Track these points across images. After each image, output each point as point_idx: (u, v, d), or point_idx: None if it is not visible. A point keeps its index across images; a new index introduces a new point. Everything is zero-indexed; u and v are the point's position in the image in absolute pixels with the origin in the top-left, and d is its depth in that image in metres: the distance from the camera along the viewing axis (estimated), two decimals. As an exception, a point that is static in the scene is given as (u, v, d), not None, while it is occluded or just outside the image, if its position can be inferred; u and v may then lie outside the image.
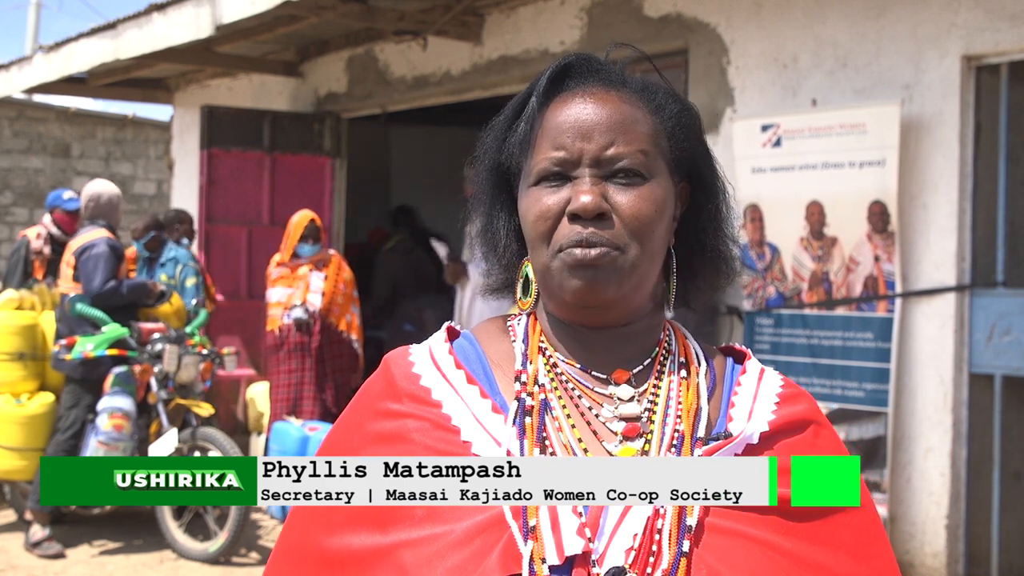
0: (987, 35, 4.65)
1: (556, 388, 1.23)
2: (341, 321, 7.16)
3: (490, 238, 1.31)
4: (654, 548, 1.11)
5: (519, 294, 1.30)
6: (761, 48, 5.56)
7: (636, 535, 1.11)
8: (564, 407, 1.21)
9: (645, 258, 1.19)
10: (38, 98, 13.51)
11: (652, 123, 1.22)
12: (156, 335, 6.23)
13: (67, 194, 8.23)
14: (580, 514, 1.11)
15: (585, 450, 1.18)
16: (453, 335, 1.31)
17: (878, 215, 4.94)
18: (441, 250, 7.06)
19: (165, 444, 5.87)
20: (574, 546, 1.09)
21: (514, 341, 1.28)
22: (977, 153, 4.78)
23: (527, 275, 1.28)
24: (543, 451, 1.16)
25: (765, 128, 5.37)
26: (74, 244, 6.39)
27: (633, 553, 1.10)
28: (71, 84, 9.90)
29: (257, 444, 8.21)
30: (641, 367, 1.25)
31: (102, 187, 6.57)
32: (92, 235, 6.33)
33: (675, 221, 1.26)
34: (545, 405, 1.20)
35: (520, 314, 1.31)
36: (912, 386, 4.92)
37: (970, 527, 4.86)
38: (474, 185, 1.33)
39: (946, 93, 4.78)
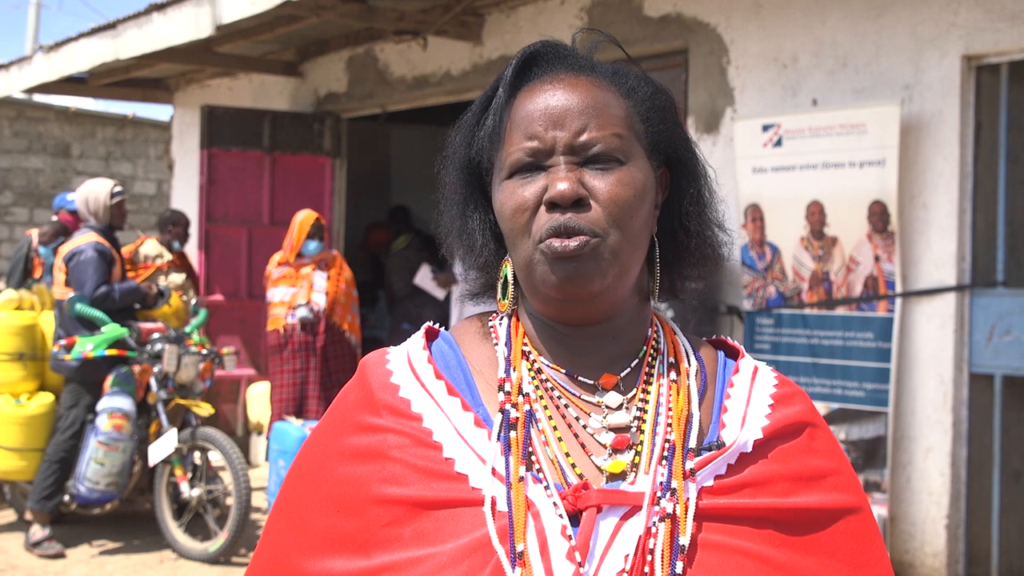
0: (987, 35, 4.65)
1: (542, 396, 1.17)
2: (344, 321, 7.18)
3: (466, 239, 1.26)
4: (646, 569, 1.06)
5: (499, 295, 1.25)
6: (761, 48, 5.56)
7: (628, 556, 1.07)
8: (551, 418, 1.16)
9: (626, 244, 1.14)
10: (38, 98, 13.52)
11: (625, 106, 1.18)
12: (155, 335, 6.23)
13: (71, 195, 8.18)
14: (569, 537, 1.06)
15: (573, 465, 1.13)
16: (432, 336, 1.26)
17: (878, 215, 4.94)
18: (426, 273, 7.29)
19: (165, 444, 5.88)
20: (564, 571, 1.04)
21: (496, 344, 1.23)
22: (977, 153, 4.78)
23: (505, 276, 1.23)
24: (529, 467, 1.11)
25: (766, 128, 5.37)
26: (64, 249, 6.38)
27: (625, 575, 1.06)
28: (71, 84, 9.90)
29: (257, 444, 8.21)
30: (629, 369, 1.21)
31: (89, 189, 6.51)
32: (80, 240, 6.31)
33: (657, 209, 1.22)
34: (530, 416, 1.15)
35: (501, 314, 1.26)
36: (912, 386, 4.91)
37: (970, 527, 4.86)
38: (445, 186, 1.28)
39: (946, 93, 4.78)
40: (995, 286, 4.79)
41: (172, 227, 7.81)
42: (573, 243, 1.12)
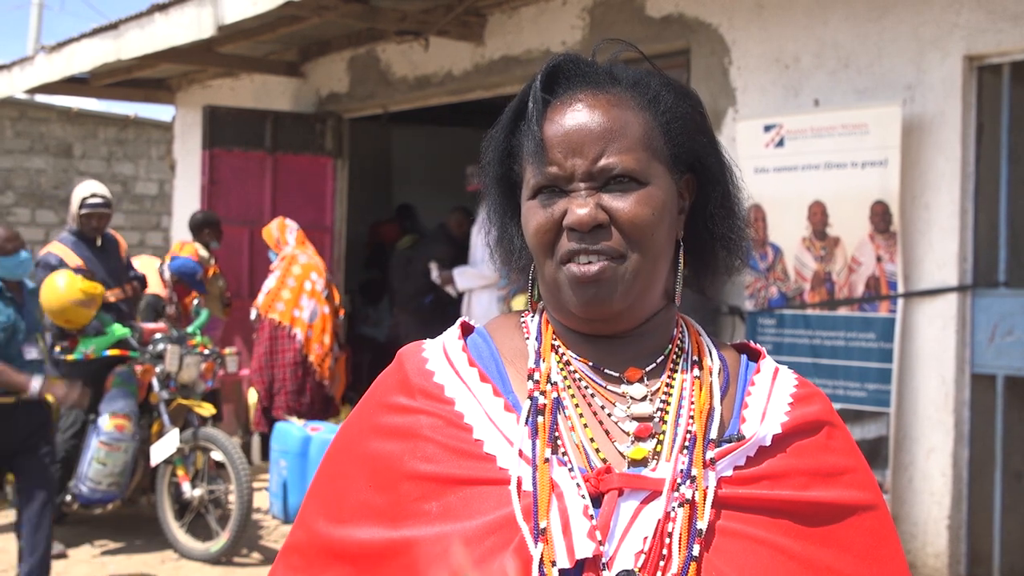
0: (989, 35, 4.65)
1: (569, 386, 1.22)
2: (286, 316, 7.17)
3: (506, 244, 1.32)
4: (664, 552, 1.10)
5: (532, 294, 1.30)
6: (763, 49, 5.56)
7: (646, 538, 1.11)
8: (577, 406, 1.20)
9: (647, 264, 1.19)
10: (40, 98, 13.50)
11: (645, 122, 1.20)
12: (158, 335, 6.24)
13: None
14: (591, 516, 1.10)
15: (597, 450, 1.17)
16: (467, 330, 1.31)
17: (880, 215, 4.94)
18: (434, 271, 7.43)
19: (167, 444, 5.88)
20: (585, 549, 1.08)
21: (527, 338, 1.27)
22: (979, 153, 4.78)
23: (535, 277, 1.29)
24: (555, 451, 1.16)
25: (768, 128, 5.37)
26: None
27: (643, 557, 1.10)
28: (73, 84, 9.90)
29: (254, 443, 8.21)
30: (654, 364, 1.24)
31: (74, 191, 6.51)
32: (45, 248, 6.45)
33: (683, 214, 1.25)
34: (558, 403, 1.19)
35: (533, 312, 1.31)
36: (914, 386, 4.91)
37: (972, 527, 4.86)
38: (484, 196, 1.33)
39: (948, 93, 4.78)
40: (997, 286, 4.79)
41: (208, 229, 7.84)
42: (594, 268, 1.17)
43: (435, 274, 7.64)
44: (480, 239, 6.86)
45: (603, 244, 1.16)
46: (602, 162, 1.17)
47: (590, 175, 1.17)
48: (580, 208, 1.16)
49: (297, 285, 7.21)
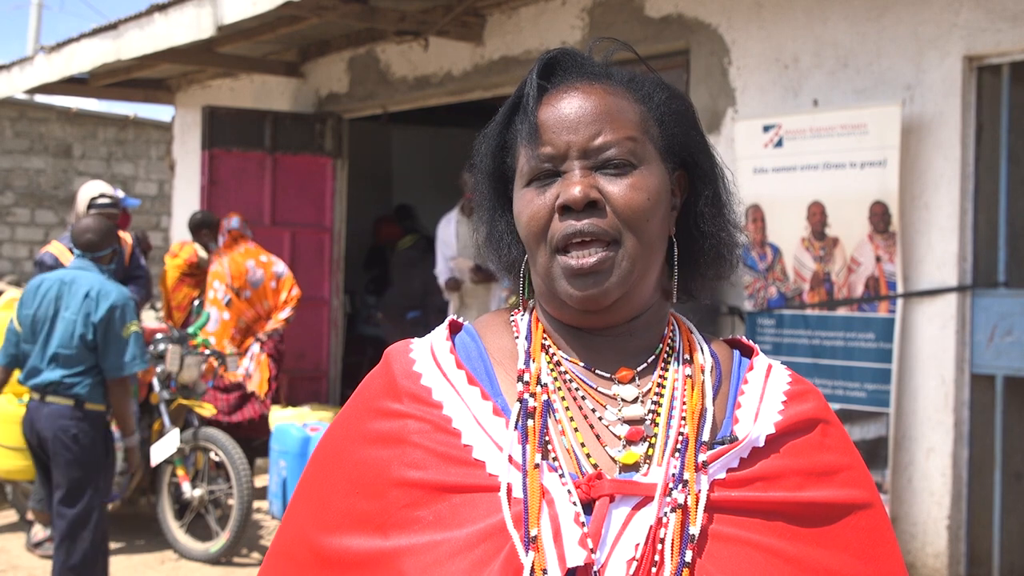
0: (988, 35, 4.66)
1: (559, 388, 1.20)
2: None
3: (495, 242, 1.30)
4: (656, 558, 1.09)
5: (522, 292, 1.29)
6: (762, 48, 5.57)
7: (638, 545, 1.09)
8: (567, 409, 1.19)
9: (643, 249, 1.17)
10: (40, 98, 13.52)
11: (640, 111, 1.20)
12: (159, 335, 6.24)
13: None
14: (582, 524, 1.09)
15: (588, 455, 1.16)
16: (455, 329, 1.29)
17: (879, 215, 4.94)
18: (465, 265, 6.99)
19: (167, 444, 5.88)
20: (576, 557, 1.06)
21: (517, 337, 1.25)
22: (978, 153, 4.78)
23: (527, 274, 1.27)
24: (545, 456, 1.14)
25: (767, 128, 5.37)
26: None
27: (635, 564, 1.08)
28: (72, 84, 9.91)
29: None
30: (645, 364, 1.23)
31: (81, 190, 6.35)
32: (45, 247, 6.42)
33: (675, 210, 1.24)
34: (548, 407, 1.17)
35: (522, 310, 1.29)
36: (913, 386, 4.92)
37: (971, 527, 4.86)
38: (475, 193, 1.32)
39: (947, 93, 4.78)
40: (996, 287, 4.79)
41: (206, 229, 7.80)
42: (591, 260, 1.15)
43: (465, 267, 7.12)
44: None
45: (597, 225, 1.15)
46: (598, 140, 1.16)
47: (585, 153, 1.16)
48: (574, 186, 1.15)
49: (207, 295, 7.23)
